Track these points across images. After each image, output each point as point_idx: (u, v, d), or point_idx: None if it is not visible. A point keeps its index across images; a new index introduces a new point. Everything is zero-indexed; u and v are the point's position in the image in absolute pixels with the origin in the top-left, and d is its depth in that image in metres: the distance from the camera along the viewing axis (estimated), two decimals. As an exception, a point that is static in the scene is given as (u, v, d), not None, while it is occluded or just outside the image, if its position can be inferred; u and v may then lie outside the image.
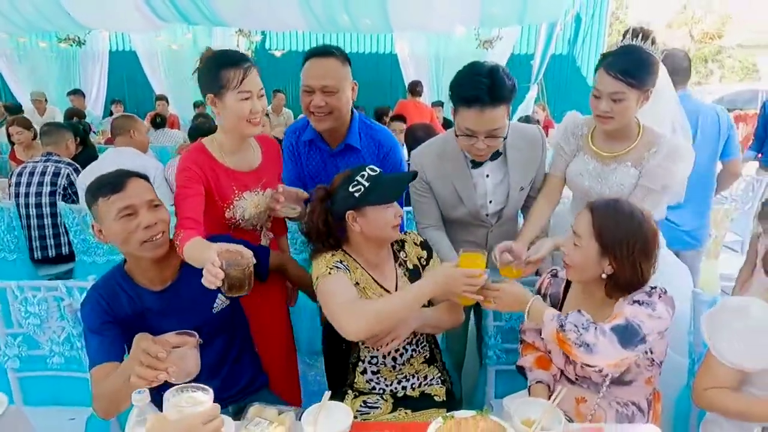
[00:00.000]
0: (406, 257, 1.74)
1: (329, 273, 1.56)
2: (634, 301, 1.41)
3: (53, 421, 1.81)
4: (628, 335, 1.33)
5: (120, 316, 1.47)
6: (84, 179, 3.21)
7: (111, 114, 8.36)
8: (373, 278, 1.66)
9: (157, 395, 1.16)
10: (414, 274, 1.72)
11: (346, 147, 1.94)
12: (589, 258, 1.45)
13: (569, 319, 1.39)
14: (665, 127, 1.90)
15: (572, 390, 1.54)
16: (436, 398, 1.67)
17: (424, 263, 1.75)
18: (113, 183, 1.45)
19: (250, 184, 1.77)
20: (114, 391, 1.31)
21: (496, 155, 1.87)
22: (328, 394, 1.34)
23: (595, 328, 1.35)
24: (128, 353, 1.35)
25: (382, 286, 1.66)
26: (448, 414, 1.33)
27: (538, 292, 1.66)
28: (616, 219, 1.43)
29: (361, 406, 1.63)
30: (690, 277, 2.09)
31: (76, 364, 1.87)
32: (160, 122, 6.05)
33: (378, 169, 1.63)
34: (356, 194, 1.57)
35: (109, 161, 3.25)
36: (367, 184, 1.57)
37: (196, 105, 8.30)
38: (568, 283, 1.65)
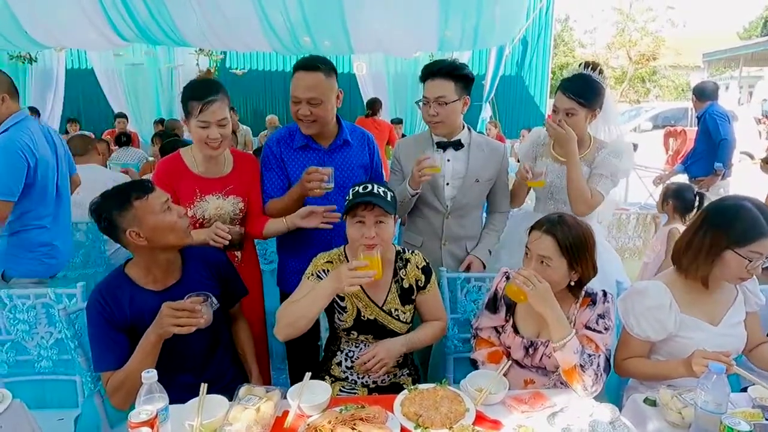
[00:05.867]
0: (405, 275, 1.84)
1: (308, 278, 1.80)
2: (598, 315, 1.64)
3: (41, 424, 1.80)
4: (608, 366, 1.60)
5: (120, 317, 1.61)
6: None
7: (66, 132, 8.23)
8: (362, 288, 1.76)
9: (163, 376, 1.34)
10: (407, 294, 1.83)
11: (344, 143, 2.17)
12: (561, 274, 1.62)
13: (591, 365, 1.52)
14: (613, 133, 2.37)
15: (522, 373, 1.76)
16: (404, 386, 1.82)
17: (421, 286, 1.85)
18: (143, 186, 1.63)
19: (215, 189, 2.02)
20: (140, 365, 1.51)
21: (459, 146, 2.21)
22: (309, 374, 1.55)
23: (600, 375, 1.53)
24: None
25: (369, 297, 1.79)
26: (412, 386, 1.56)
27: (495, 293, 1.84)
28: (575, 233, 1.61)
29: (340, 390, 1.81)
30: (614, 253, 2.49)
31: (64, 367, 1.97)
32: (125, 141, 6.06)
33: (369, 187, 1.71)
34: (346, 199, 1.77)
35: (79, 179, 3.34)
36: (350, 197, 1.74)
37: (156, 122, 8.33)
38: None
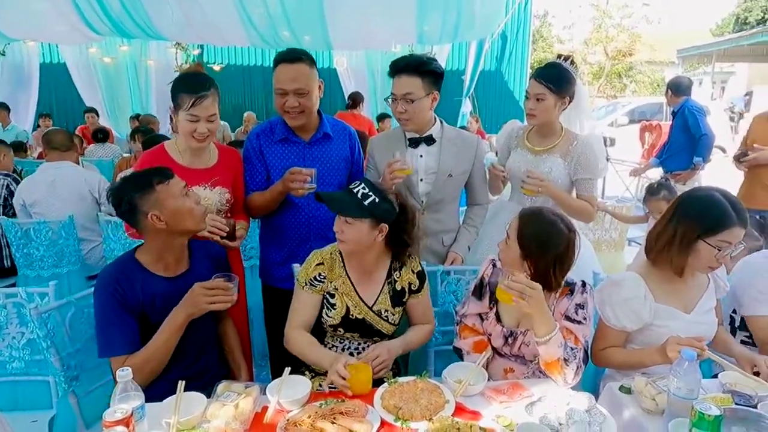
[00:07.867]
0: (398, 278, 1.84)
1: (302, 287, 1.80)
2: (577, 305, 1.64)
3: (15, 426, 1.76)
4: (587, 357, 1.62)
5: (133, 300, 1.61)
6: (26, 194, 3.20)
7: (38, 127, 8.00)
8: (354, 287, 1.80)
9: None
10: (398, 296, 1.83)
11: (324, 136, 2.16)
12: (514, 258, 1.65)
13: (574, 359, 1.54)
14: (585, 128, 2.42)
15: (502, 362, 1.78)
16: (385, 380, 1.84)
17: (414, 289, 1.85)
18: (163, 172, 1.65)
19: (201, 180, 2.01)
20: (164, 346, 1.60)
21: (430, 141, 2.21)
22: (288, 369, 1.54)
23: (580, 367, 1.55)
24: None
25: (360, 297, 1.79)
26: (392, 379, 1.57)
27: (481, 281, 1.85)
28: (537, 228, 1.61)
29: (319, 386, 1.77)
30: (586, 242, 2.50)
31: (36, 367, 1.92)
32: (102, 137, 5.93)
33: (358, 189, 1.70)
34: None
35: (50, 176, 3.26)
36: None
37: (132, 118, 8.16)
38: None
